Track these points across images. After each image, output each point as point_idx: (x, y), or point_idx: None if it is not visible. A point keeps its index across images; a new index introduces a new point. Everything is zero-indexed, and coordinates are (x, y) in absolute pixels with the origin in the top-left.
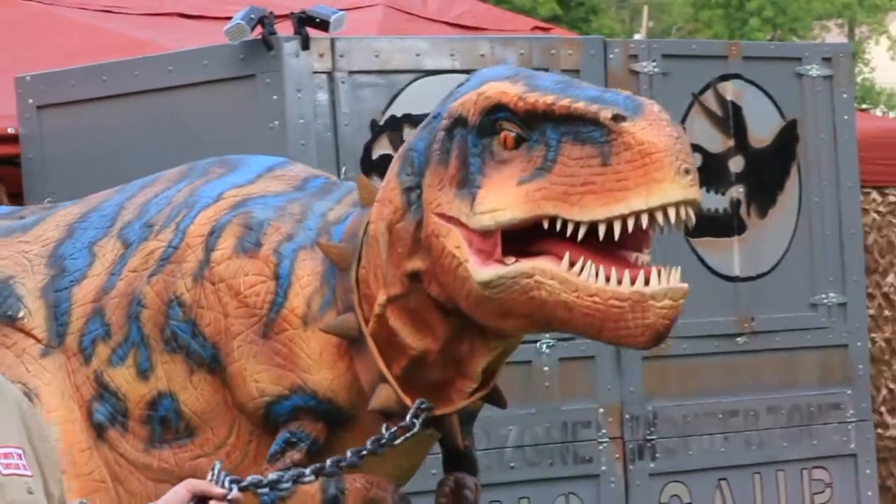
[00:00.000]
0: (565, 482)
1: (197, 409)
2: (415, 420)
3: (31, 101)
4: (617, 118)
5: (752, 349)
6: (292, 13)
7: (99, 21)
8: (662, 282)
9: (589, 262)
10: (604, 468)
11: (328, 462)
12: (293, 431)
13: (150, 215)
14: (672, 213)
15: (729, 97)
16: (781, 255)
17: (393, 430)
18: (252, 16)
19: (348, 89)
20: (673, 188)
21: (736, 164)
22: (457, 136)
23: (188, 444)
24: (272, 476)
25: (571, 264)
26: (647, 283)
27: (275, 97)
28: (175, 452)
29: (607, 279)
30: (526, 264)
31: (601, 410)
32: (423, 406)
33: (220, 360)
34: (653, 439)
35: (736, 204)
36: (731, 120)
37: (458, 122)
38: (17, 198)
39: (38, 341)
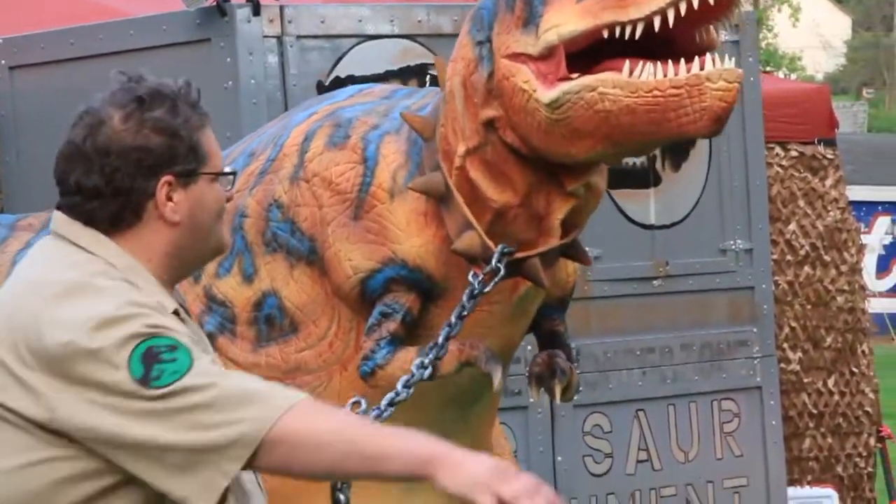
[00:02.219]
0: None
1: (298, 303)
2: (499, 265)
3: (3, 62)
4: None
5: (666, 291)
6: None
7: None
8: (717, 64)
9: (647, 64)
10: (531, 400)
11: (441, 334)
12: (387, 303)
13: (251, 147)
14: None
15: None
16: (693, 204)
17: (480, 276)
18: None
19: (296, 52)
20: None
21: None
22: None
23: (293, 338)
24: (416, 362)
25: (630, 72)
26: (702, 68)
27: (228, 60)
28: (281, 348)
29: (665, 74)
30: (588, 78)
31: (528, 348)
32: (506, 250)
33: (316, 250)
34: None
35: (651, 158)
36: None
37: None
38: None
39: None
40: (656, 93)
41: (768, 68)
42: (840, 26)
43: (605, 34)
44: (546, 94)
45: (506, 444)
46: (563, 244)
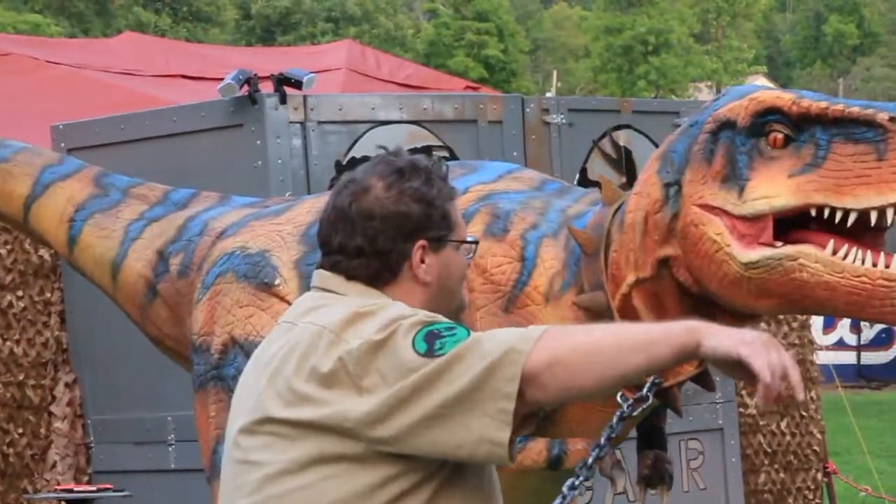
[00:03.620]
0: None
1: None
2: (649, 394)
3: (63, 144)
4: (893, 119)
5: None
6: (273, 75)
7: (118, 81)
8: None
9: (854, 249)
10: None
11: (591, 455)
12: None
13: None
14: None
15: (622, 143)
16: None
17: (630, 401)
18: (240, 77)
19: (317, 136)
20: None
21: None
22: (722, 137)
23: None
24: (568, 483)
25: (834, 251)
26: None
27: (258, 142)
28: None
29: (874, 263)
30: (791, 248)
31: None
32: (657, 381)
33: None
34: None
35: None
36: (624, 161)
37: (726, 125)
38: None
39: None
40: (864, 279)
41: None
42: None
43: (813, 213)
44: (744, 253)
45: None
46: (699, 371)
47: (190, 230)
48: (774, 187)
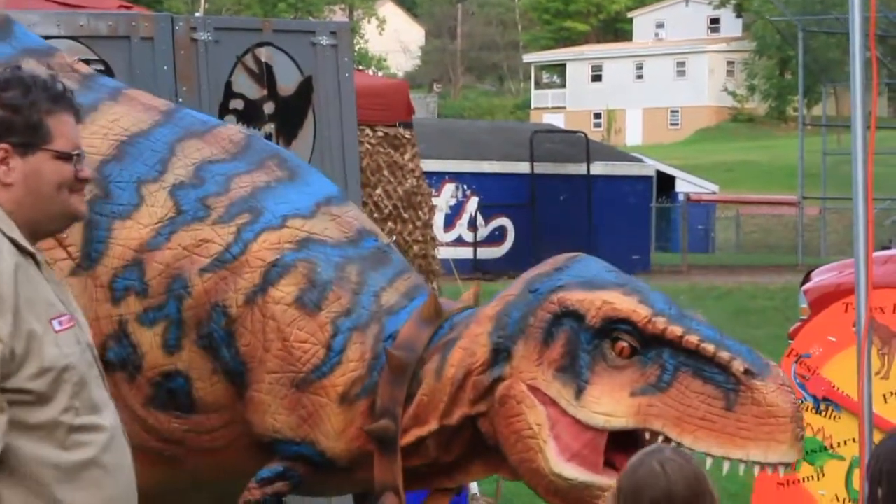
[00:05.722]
0: None
1: (205, 398)
2: None
3: None
4: (748, 373)
5: None
6: None
7: None
8: None
9: None
10: None
11: None
12: (288, 469)
13: (206, 191)
14: (781, 470)
15: (263, 59)
16: None
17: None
18: None
19: None
20: (791, 451)
21: (268, 108)
22: (566, 325)
23: (184, 418)
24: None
25: None
26: None
27: None
28: (170, 419)
29: None
30: (605, 480)
31: None
32: None
33: (244, 378)
34: None
35: (269, 136)
36: (265, 76)
37: (572, 315)
38: None
39: (71, 258)
40: None
41: (360, 67)
42: (416, 35)
43: (647, 436)
44: (559, 462)
45: None
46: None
47: None
48: (616, 405)
